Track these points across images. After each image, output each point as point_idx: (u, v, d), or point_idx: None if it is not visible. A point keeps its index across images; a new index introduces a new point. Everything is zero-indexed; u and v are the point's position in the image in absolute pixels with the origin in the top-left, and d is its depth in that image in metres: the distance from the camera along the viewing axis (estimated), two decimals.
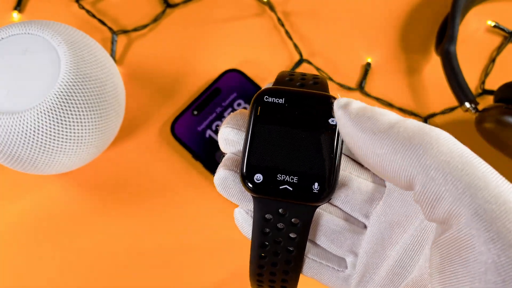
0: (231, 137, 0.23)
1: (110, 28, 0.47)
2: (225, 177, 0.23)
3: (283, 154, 0.22)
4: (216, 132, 0.44)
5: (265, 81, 0.46)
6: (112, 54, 0.46)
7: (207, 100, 0.45)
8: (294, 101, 0.22)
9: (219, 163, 0.42)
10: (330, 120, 0.22)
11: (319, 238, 0.24)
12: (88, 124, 0.36)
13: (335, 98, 0.22)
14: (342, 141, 0.22)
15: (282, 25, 0.47)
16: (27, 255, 0.41)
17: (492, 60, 0.47)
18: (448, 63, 0.43)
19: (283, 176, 0.21)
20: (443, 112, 0.45)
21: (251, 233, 0.23)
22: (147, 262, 0.41)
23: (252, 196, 0.22)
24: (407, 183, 0.19)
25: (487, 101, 0.46)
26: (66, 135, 0.35)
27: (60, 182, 0.43)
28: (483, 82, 0.46)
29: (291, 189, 0.21)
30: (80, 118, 0.35)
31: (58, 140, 0.35)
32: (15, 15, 0.47)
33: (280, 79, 0.24)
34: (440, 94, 0.46)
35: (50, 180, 0.43)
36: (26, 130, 0.34)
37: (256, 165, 0.22)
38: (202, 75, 0.46)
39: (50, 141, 0.35)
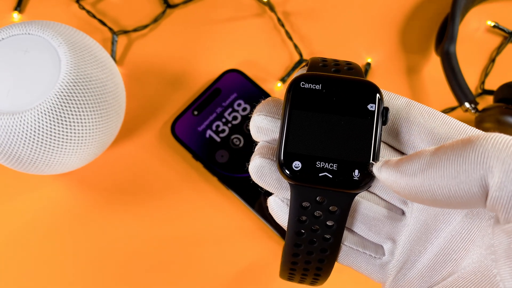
0: (264, 125, 0.23)
1: (110, 29, 0.47)
2: (261, 165, 0.22)
3: (322, 140, 0.21)
4: (216, 132, 0.44)
5: (265, 81, 0.46)
6: (113, 55, 0.46)
7: (207, 100, 0.45)
8: (331, 87, 0.22)
9: (219, 163, 0.43)
10: (369, 106, 0.21)
11: (357, 225, 0.24)
12: (88, 124, 0.36)
13: (374, 84, 0.21)
14: (382, 127, 0.21)
15: (282, 25, 0.47)
16: (27, 255, 0.41)
17: (492, 60, 0.47)
18: (448, 63, 0.43)
19: (323, 163, 0.21)
20: (443, 112, 0.45)
21: (286, 221, 0.23)
22: (147, 261, 0.41)
23: (290, 183, 0.22)
24: (481, 190, 0.18)
25: (487, 101, 0.46)
26: (67, 135, 0.35)
27: (60, 182, 0.43)
28: (483, 82, 0.46)
29: (331, 176, 0.21)
30: (81, 118, 0.35)
31: (58, 140, 0.35)
32: (16, 15, 0.47)
33: (314, 65, 0.23)
34: (440, 94, 0.46)
35: (51, 180, 0.43)
36: (27, 130, 0.34)
37: (294, 152, 0.21)
38: (202, 75, 0.46)
39: (50, 141, 0.35)
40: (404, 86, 0.46)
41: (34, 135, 0.34)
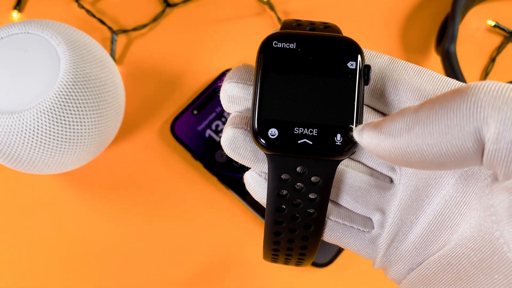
0: (236, 93, 0.21)
1: (109, 28, 0.47)
2: (234, 136, 0.20)
3: (299, 104, 0.19)
4: (216, 131, 0.44)
5: None
6: (112, 54, 0.46)
7: (207, 100, 0.45)
8: (307, 45, 0.20)
9: (219, 163, 0.43)
10: (349, 64, 0.19)
11: (342, 197, 0.22)
12: (87, 123, 0.36)
13: (353, 41, 0.20)
14: (364, 87, 0.19)
15: None
16: (27, 255, 0.41)
17: (492, 60, 0.47)
18: (448, 63, 0.43)
19: (301, 129, 0.19)
20: None
21: (265, 197, 0.21)
22: (147, 261, 0.41)
23: (266, 154, 0.20)
24: (476, 145, 0.16)
25: None
26: (66, 135, 0.35)
27: (59, 182, 0.43)
28: None
29: (311, 143, 0.19)
30: (80, 118, 0.35)
31: (57, 140, 0.35)
32: (15, 14, 0.47)
33: (287, 25, 0.21)
34: None
35: (50, 180, 0.43)
36: (26, 130, 0.34)
37: (269, 118, 0.19)
38: (202, 75, 0.46)
39: (49, 141, 0.35)
40: None
41: (33, 135, 0.34)
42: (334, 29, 0.21)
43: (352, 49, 0.20)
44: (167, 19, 0.48)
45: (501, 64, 0.47)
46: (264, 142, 0.19)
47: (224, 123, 0.44)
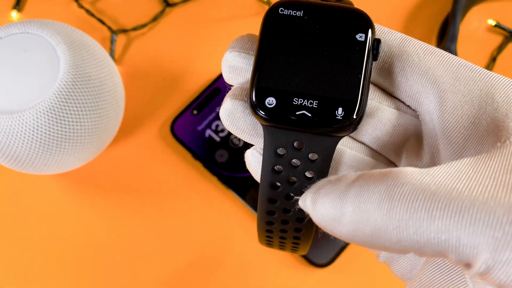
0: (237, 63, 0.19)
1: (109, 28, 0.47)
2: (233, 107, 0.19)
3: (301, 74, 0.18)
4: (216, 131, 0.44)
5: None
6: (111, 54, 0.46)
7: (207, 100, 0.44)
8: (315, 14, 0.18)
9: (219, 163, 0.43)
10: (357, 36, 0.18)
11: None
12: (87, 123, 0.36)
13: (365, 13, 0.19)
14: (372, 62, 0.18)
15: None
16: (27, 255, 0.41)
17: (493, 60, 0.47)
18: None
19: (301, 100, 0.18)
20: None
21: None
22: (147, 261, 0.41)
23: (263, 125, 0.19)
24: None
25: None
26: (65, 135, 0.35)
27: (59, 182, 0.43)
28: None
29: (310, 115, 0.18)
30: (79, 118, 0.35)
31: (57, 140, 0.35)
32: (14, 14, 0.47)
33: None
34: None
35: (49, 180, 0.43)
36: (25, 130, 0.34)
37: (267, 87, 0.18)
38: (202, 75, 0.46)
39: (49, 141, 0.35)
40: None
41: (33, 135, 0.34)
42: (347, 1, 0.20)
43: (363, 21, 0.19)
44: (166, 19, 0.48)
45: (502, 64, 0.47)
46: (261, 112, 0.18)
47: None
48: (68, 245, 0.42)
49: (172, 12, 0.48)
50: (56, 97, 0.34)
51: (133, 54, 0.47)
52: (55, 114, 0.34)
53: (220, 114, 0.20)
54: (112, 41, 0.46)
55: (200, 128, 0.44)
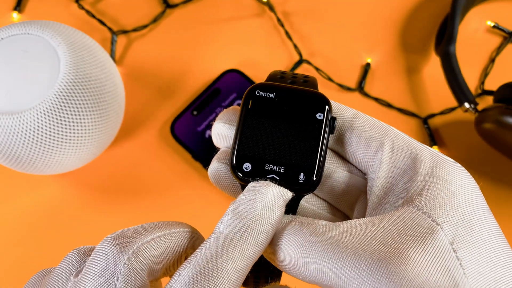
0: (223, 131, 0.24)
1: (109, 28, 0.47)
2: (217, 169, 0.24)
3: (272, 145, 0.22)
4: None
5: None
6: (112, 54, 0.46)
7: (206, 100, 0.45)
8: (284, 96, 0.23)
9: None
10: (317, 115, 0.22)
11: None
12: (87, 124, 0.36)
13: (324, 96, 0.23)
14: (329, 135, 0.23)
15: (282, 25, 0.47)
16: (27, 255, 0.41)
17: (492, 61, 0.47)
18: (447, 64, 0.43)
19: (271, 166, 0.22)
20: (443, 112, 0.45)
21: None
22: None
23: (241, 185, 0.23)
24: None
25: (486, 102, 0.46)
26: (66, 135, 0.35)
27: (59, 182, 0.43)
28: (482, 83, 0.46)
29: (278, 178, 0.22)
30: (80, 118, 0.35)
31: (57, 140, 0.35)
32: (15, 15, 0.47)
33: (272, 77, 0.25)
34: (439, 94, 0.46)
35: (50, 180, 0.43)
36: (26, 131, 0.34)
37: (245, 154, 0.22)
38: (201, 75, 0.46)
39: (49, 141, 0.35)
40: (404, 86, 0.46)
41: (33, 135, 0.34)
42: (312, 82, 0.24)
43: (322, 102, 0.23)
44: (167, 20, 0.48)
45: (500, 65, 0.47)
46: (239, 174, 0.22)
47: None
48: (68, 245, 0.42)
49: (173, 13, 0.48)
50: (57, 98, 0.34)
51: (134, 55, 0.47)
52: (55, 115, 0.34)
53: (208, 173, 0.24)
54: (113, 42, 0.46)
55: (200, 128, 0.44)
